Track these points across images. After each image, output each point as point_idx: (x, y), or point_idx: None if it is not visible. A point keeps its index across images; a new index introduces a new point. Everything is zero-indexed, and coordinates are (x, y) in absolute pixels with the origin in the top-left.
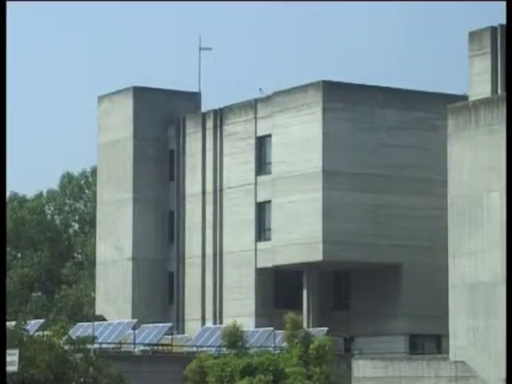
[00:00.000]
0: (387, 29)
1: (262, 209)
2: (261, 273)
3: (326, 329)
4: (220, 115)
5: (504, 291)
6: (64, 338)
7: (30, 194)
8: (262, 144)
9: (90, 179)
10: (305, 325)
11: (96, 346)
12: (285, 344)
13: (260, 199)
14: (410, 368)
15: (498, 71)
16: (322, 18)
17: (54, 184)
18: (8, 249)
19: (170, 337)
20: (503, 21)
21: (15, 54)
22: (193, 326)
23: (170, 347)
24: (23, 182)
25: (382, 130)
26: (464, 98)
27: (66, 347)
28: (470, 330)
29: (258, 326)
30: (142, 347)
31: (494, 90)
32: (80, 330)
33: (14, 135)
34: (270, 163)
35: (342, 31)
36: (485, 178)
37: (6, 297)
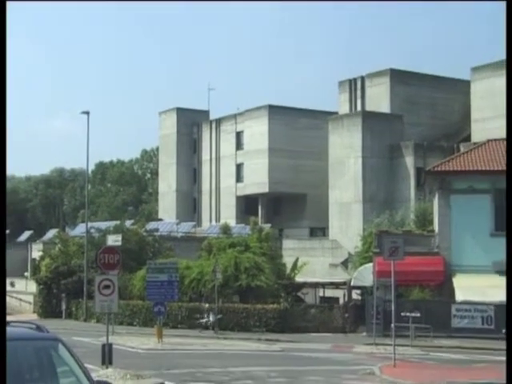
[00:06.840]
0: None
1: (239, 167)
2: (238, 198)
3: (269, 225)
4: (219, 121)
5: (356, 208)
6: (143, 229)
7: (126, 159)
8: (239, 135)
9: (155, 152)
10: (260, 223)
11: (159, 233)
12: (250, 232)
13: (238, 162)
14: (310, 243)
15: (352, 101)
16: (275, 71)
17: (137, 154)
18: (116, 186)
19: (194, 229)
20: (364, 72)
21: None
22: (205, 224)
23: (195, 234)
24: (123, 153)
25: (298, 129)
26: (336, 113)
27: (144, 234)
28: (339, 225)
29: (237, 223)
30: (181, 234)
31: (351, 109)
32: (151, 225)
33: (121, 131)
34: (243, 144)
35: (281, 76)
36: (346, 152)
37: (116, 211)
